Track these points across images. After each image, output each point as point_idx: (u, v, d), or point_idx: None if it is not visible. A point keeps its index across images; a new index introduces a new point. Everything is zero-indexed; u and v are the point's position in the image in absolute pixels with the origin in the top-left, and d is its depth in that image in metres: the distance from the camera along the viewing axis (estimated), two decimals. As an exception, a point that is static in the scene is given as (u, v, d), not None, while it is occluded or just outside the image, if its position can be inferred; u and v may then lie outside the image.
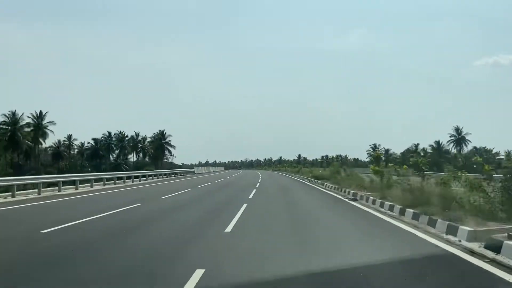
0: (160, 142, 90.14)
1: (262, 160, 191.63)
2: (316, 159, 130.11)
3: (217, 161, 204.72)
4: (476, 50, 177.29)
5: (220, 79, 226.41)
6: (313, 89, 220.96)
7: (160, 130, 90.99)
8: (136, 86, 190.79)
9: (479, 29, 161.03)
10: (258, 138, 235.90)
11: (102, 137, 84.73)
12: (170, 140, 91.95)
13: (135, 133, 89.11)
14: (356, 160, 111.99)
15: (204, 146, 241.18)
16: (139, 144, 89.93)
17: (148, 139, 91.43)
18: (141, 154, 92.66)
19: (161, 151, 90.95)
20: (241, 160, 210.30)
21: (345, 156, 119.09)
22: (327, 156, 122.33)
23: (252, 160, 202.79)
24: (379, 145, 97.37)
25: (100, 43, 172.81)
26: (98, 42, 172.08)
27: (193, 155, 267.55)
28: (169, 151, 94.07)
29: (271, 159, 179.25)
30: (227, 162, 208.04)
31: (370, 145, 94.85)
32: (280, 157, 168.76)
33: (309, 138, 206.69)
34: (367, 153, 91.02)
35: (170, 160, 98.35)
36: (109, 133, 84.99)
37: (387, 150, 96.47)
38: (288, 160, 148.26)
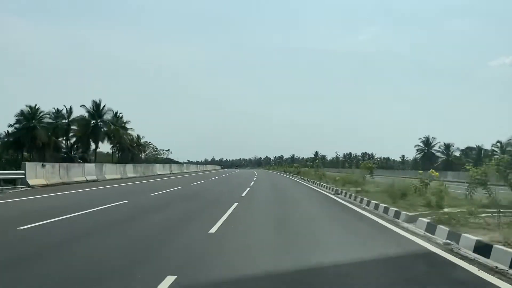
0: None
1: (272, 158, 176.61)
2: (337, 157, 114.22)
3: (224, 159, 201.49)
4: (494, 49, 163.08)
5: (233, 76, 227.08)
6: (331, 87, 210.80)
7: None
8: (139, 82, 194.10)
9: (495, 29, 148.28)
10: (269, 136, 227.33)
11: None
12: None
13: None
14: (386, 159, 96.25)
15: (210, 144, 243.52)
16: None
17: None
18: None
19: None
20: (249, 158, 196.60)
21: (372, 154, 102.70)
22: (350, 154, 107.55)
23: (260, 158, 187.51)
24: (433, 138, 75.46)
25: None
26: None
27: (199, 152, 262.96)
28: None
29: (282, 156, 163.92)
30: (234, 159, 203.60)
31: (421, 138, 75.67)
32: (293, 155, 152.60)
33: (328, 135, 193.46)
34: (416, 149, 75.01)
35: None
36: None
37: (447, 145, 74.82)
38: (302, 158, 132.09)
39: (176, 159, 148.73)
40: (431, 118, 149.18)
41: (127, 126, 62.89)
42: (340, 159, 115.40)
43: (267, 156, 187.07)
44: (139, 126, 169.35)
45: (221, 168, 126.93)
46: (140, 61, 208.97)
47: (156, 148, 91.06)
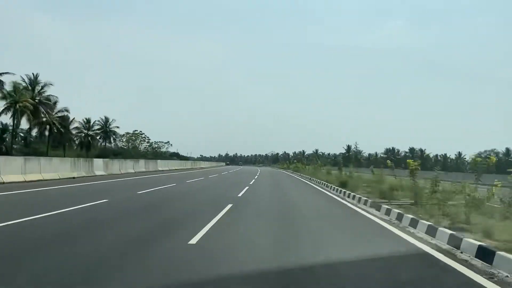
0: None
1: (291, 154, 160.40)
2: (376, 153, 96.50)
3: (239, 155, 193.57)
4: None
5: (253, 72, 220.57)
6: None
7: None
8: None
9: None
10: (289, 132, 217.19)
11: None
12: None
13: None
14: (444, 157, 77.73)
15: (225, 139, 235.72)
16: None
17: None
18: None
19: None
20: (266, 154, 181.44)
21: (421, 150, 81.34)
22: (393, 149, 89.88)
23: (277, 154, 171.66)
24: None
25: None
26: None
27: (214, 147, 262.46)
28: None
29: (303, 152, 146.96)
30: (248, 156, 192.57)
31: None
32: (316, 150, 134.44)
33: (362, 127, 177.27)
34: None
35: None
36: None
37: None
38: (328, 154, 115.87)
39: (188, 155, 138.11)
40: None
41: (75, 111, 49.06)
42: (380, 155, 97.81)
43: (285, 152, 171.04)
44: (154, 121, 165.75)
45: (226, 164, 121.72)
46: (154, 55, 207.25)
47: (149, 139, 76.01)
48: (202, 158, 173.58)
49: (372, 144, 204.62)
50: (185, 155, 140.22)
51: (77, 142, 67.92)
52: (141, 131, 73.46)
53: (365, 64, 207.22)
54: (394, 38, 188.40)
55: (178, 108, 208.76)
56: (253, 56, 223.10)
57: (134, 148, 69.63)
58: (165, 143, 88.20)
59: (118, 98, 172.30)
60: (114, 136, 70.61)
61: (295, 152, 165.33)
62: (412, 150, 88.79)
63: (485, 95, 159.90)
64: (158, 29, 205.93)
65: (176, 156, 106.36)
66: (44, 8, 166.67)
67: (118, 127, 72.39)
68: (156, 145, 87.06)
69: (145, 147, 74.42)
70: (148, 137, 75.03)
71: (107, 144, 71.52)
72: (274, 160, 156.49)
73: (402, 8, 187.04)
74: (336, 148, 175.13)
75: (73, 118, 63.19)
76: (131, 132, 71.72)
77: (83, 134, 67.64)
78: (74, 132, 64.41)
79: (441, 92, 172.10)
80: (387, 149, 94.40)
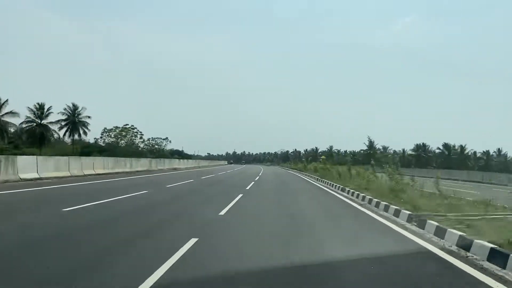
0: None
1: (303, 152, 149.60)
2: (403, 150, 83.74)
3: (246, 153, 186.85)
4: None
5: (267, 70, 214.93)
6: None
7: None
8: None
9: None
10: (301, 128, 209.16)
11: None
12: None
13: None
14: (487, 154, 66.42)
15: (233, 138, 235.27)
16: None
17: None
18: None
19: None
20: (275, 152, 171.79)
21: (462, 146, 70.50)
22: (423, 145, 77.88)
23: (288, 152, 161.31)
24: None
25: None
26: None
27: (222, 146, 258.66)
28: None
29: (316, 149, 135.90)
30: (256, 154, 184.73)
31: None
32: (331, 147, 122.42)
33: (381, 124, 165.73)
34: None
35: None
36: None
37: None
38: (344, 152, 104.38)
39: (196, 153, 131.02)
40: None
41: None
42: (408, 152, 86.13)
43: (295, 150, 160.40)
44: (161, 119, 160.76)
45: (228, 163, 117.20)
46: (164, 54, 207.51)
47: (142, 135, 66.37)
48: (210, 157, 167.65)
49: (393, 141, 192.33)
50: (191, 153, 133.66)
51: (24, 135, 56.60)
52: (132, 125, 63.90)
53: (389, 61, 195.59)
54: (419, 33, 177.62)
55: (187, 107, 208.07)
56: (267, 54, 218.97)
57: (128, 146, 60.18)
58: (164, 139, 79.03)
59: (130, 99, 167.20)
60: (85, 128, 60.65)
61: (306, 149, 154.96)
62: (447, 146, 77.10)
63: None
64: (175, 29, 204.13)
65: (177, 154, 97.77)
66: None
67: (89, 116, 61.57)
68: (154, 142, 78.00)
69: (138, 143, 64.79)
70: (141, 132, 65.47)
71: (76, 137, 61.71)
72: (284, 158, 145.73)
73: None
74: (352, 145, 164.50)
75: (6, 101, 51.21)
76: (121, 126, 62.13)
77: (34, 124, 55.57)
78: (8, 120, 51.69)
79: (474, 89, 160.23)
80: (417, 145, 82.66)
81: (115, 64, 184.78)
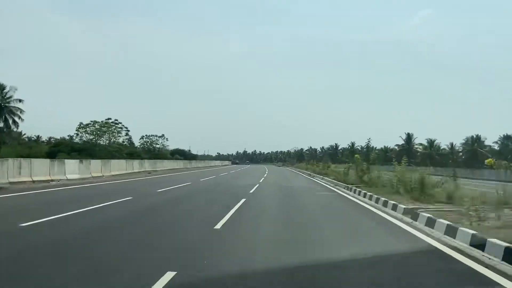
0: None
1: (319, 150, 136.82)
2: (451, 145, 67.66)
3: (258, 152, 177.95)
4: None
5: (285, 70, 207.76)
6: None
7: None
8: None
9: None
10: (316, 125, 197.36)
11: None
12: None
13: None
14: None
15: (243, 137, 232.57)
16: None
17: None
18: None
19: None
20: (288, 151, 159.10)
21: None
22: (478, 137, 62.40)
23: (302, 150, 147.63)
24: None
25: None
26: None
27: (232, 145, 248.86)
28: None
29: (336, 146, 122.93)
30: (268, 153, 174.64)
31: None
32: (352, 144, 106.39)
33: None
34: None
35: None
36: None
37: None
38: (374, 147, 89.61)
39: (206, 153, 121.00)
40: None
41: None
42: (457, 147, 71.57)
43: (311, 147, 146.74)
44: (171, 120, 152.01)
45: (232, 163, 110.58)
46: (172, 54, 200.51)
47: (127, 131, 54.39)
48: (219, 157, 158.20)
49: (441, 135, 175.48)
50: (202, 153, 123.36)
51: None
52: (116, 120, 51.91)
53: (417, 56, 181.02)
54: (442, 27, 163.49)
55: (195, 106, 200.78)
56: (280, 50, 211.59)
57: (108, 145, 48.34)
58: (159, 137, 67.31)
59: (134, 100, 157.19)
60: (19, 115, 46.36)
61: (323, 147, 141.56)
62: (507, 137, 62.54)
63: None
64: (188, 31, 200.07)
65: (178, 153, 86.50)
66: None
67: (21, 100, 46.95)
68: (148, 140, 66.25)
69: (123, 140, 52.87)
70: (126, 128, 53.42)
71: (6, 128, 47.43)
72: (299, 157, 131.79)
73: None
74: (378, 141, 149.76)
75: None
76: (102, 121, 49.97)
77: None
78: None
79: None
80: (472, 137, 67.52)
81: (121, 63, 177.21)
